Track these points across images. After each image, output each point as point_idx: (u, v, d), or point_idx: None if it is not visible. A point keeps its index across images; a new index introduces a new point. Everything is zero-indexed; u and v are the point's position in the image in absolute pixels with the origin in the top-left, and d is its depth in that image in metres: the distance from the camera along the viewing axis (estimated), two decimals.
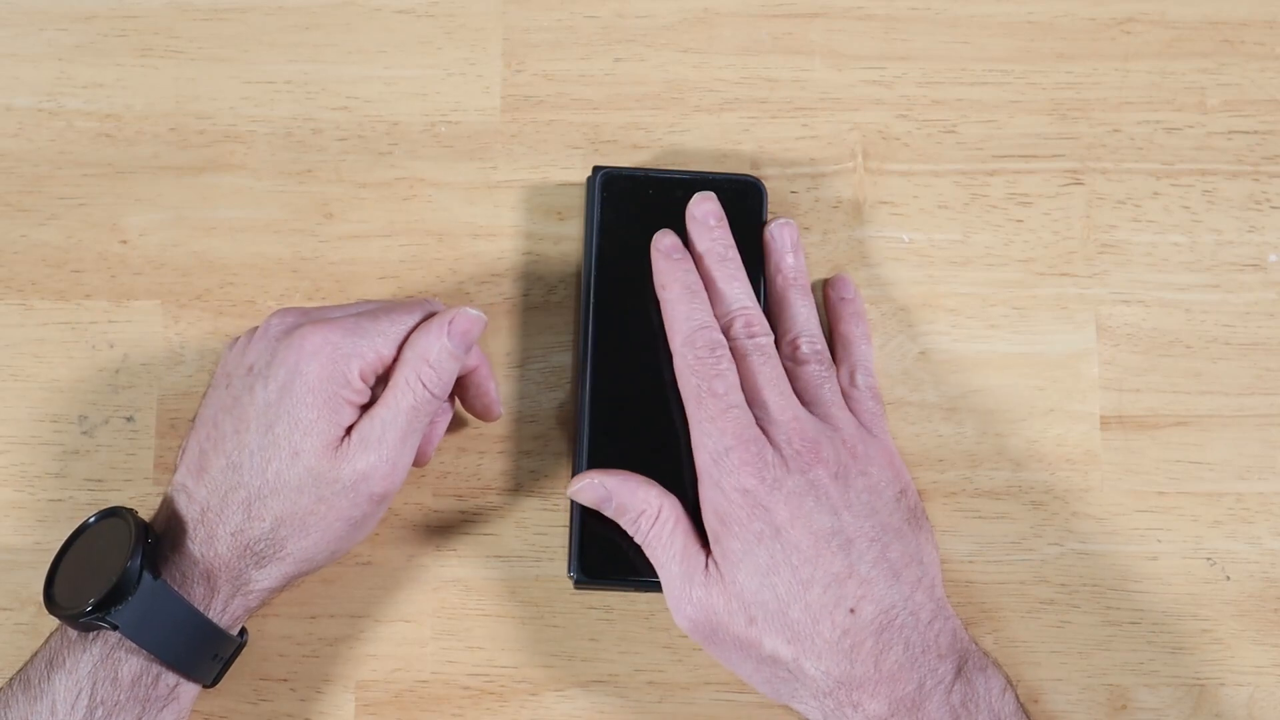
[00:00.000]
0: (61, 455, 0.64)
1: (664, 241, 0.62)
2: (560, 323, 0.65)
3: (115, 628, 0.54)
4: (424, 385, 0.58)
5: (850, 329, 0.64)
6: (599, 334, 0.62)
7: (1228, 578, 0.64)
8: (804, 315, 0.62)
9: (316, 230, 0.66)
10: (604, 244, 0.63)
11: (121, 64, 0.67)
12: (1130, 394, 0.65)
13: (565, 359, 0.65)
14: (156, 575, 0.55)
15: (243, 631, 0.59)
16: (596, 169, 0.64)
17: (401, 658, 0.63)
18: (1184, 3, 0.68)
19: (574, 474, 0.61)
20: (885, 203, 0.66)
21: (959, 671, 0.56)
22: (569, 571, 0.61)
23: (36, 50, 0.67)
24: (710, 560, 0.57)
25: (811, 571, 0.56)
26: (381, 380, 0.58)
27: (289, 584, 0.59)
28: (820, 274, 0.66)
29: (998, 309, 0.66)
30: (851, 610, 0.56)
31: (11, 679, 0.56)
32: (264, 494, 0.56)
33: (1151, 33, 0.68)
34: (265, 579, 0.57)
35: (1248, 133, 0.67)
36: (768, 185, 0.65)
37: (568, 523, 0.62)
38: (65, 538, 0.58)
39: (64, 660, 0.55)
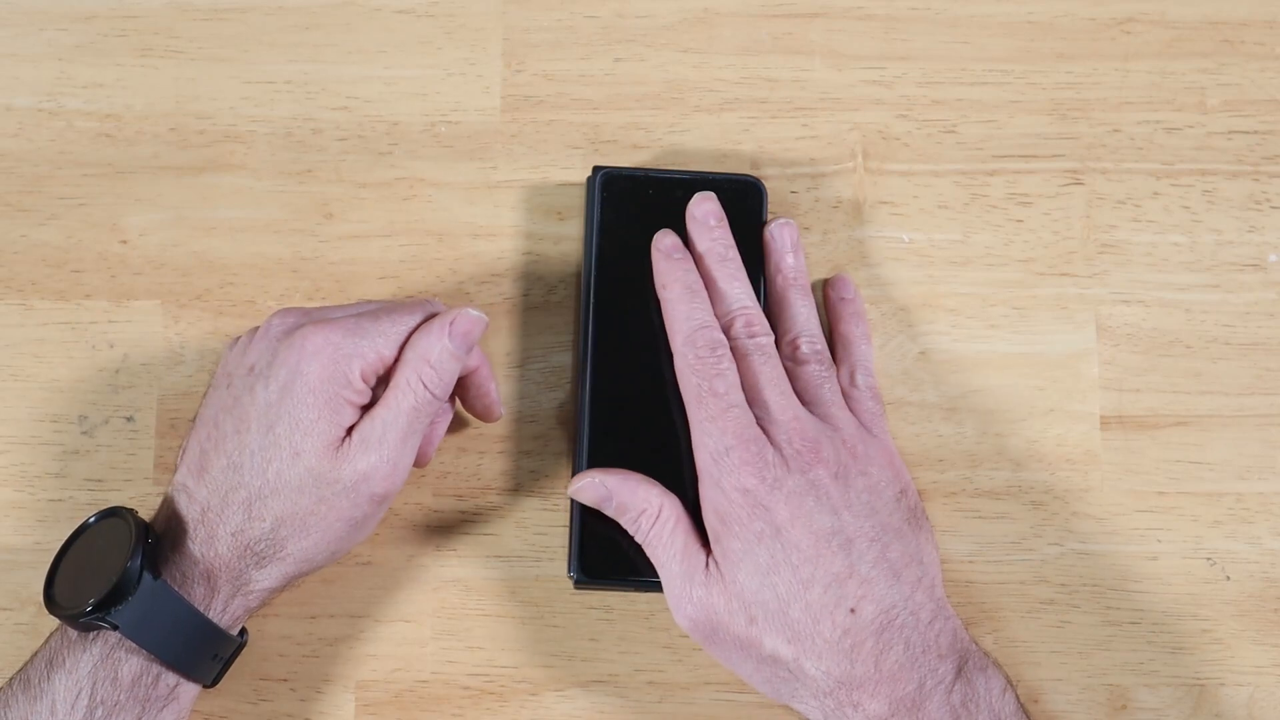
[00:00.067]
0: (61, 455, 0.64)
1: (664, 241, 0.62)
2: (560, 323, 0.65)
3: (115, 628, 0.54)
4: (425, 386, 0.58)
5: (850, 329, 0.64)
6: (599, 334, 0.62)
7: (1228, 578, 0.64)
8: (804, 315, 0.62)
9: (316, 230, 0.66)
10: (604, 244, 0.63)
11: (121, 64, 0.67)
12: (1130, 394, 0.65)
13: (565, 359, 0.65)
14: (157, 575, 0.55)
15: (243, 631, 0.59)
16: (596, 169, 0.64)
17: (401, 658, 0.63)
18: (1184, 3, 0.68)
19: (574, 473, 0.61)
20: (885, 203, 0.66)
21: (959, 671, 0.56)
22: (569, 571, 0.61)
23: (36, 50, 0.67)
24: (711, 560, 0.57)
25: (812, 571, 0.56)
26: (382, 381, 0.58)
27: (289, 584, 0.59)
28: (820, 274, 0.66)
29: (998, 309, 0.66)
30: (852, 610, 0.56)
31: (11, 679, 0.56)
32: (264, 494, 0.56)
33: (1151, 33, 0.68)
34: (265, 579, 0.57)
35: (1248, 133, 0.67)
36: (768, 185, 0.65)
37: (568, 523, 0.62)
38: (65, 538, 0.58)
39: (64, 660, 0.55)
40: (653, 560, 0.58)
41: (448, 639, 0.63)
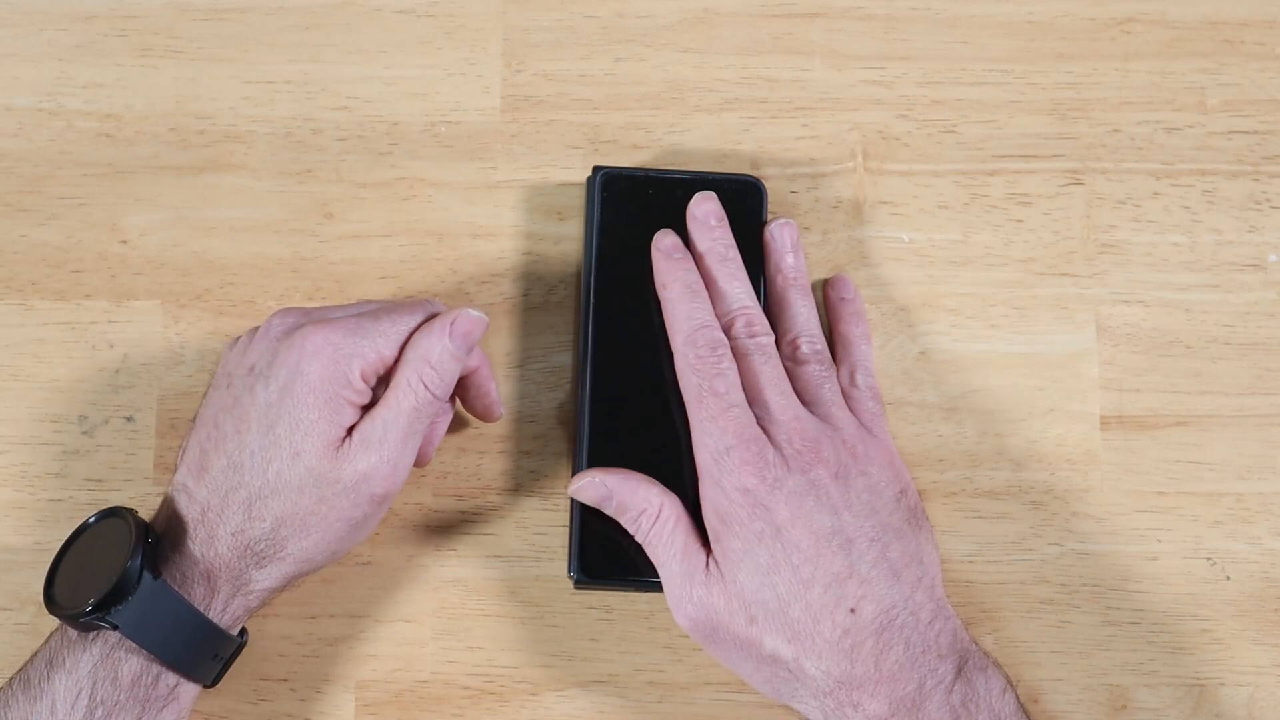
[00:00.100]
0: (61, 455, 0.64)
1: (665, 241, 0.62)
2: (560, 323, 0.65)
3: (115, 628, 0.54)
4: (426, 386, 0.58)
5: (850, 329, 0.64)
6: (599, 334, 0.62)
7: (1228, 578, 0.64)
8: (804, 315, 0.62)
9: (316, 230, 0.66)
10: (604, 244, 0.63)
11: (121, 64, 0.67)
12: (1130, 394, 0.65)
13: (565, 359, 0.65)
14: (157, 575, 0.55)
15: (243, 631, 0.59)
16: (596, 169, 0.64)
17: (401, 658, 0.63)
18: (1184, 3, 0.68)
19: (574, 473, 0.61)
20: (885, 203, 0.66)
21: (959, 671, 0.56)
22: (569, 571, 0.61)
23: (36, 50, 0.67)
24: (711, 559, 0.57)
25: (812, 571, 0.56)
26: (383, 381, 0.58)
27: (289, 584, 0.59)
28: (820, 274, 0.66)
29: (998, 309, 0.66)
30: (852, 610, 0.56)
31: (11, 679, 0.56)
32: (265, 494, 0.56)
33: (1151, 33, 0.68)
34: (265, 579, 0.57)
35: (1248, 133, 0.67)
36: (768, 185, 0.65)
37: (568, 523, 0.62)
38: (65, 538, 0.58)
39: (64, 660, 0.55)
40: (653, 560, 0.58)
41: (448, 639, 0.63)
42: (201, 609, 0.56)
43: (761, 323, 0.60)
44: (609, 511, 0.59)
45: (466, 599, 0.63)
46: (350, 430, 0.57)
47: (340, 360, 0.57)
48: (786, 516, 0.56)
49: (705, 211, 0.62)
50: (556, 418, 0.65)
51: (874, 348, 0.65)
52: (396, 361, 0.58)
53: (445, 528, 0.64)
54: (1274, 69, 0.67)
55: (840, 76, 0.67)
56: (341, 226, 0.66)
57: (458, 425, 0.64)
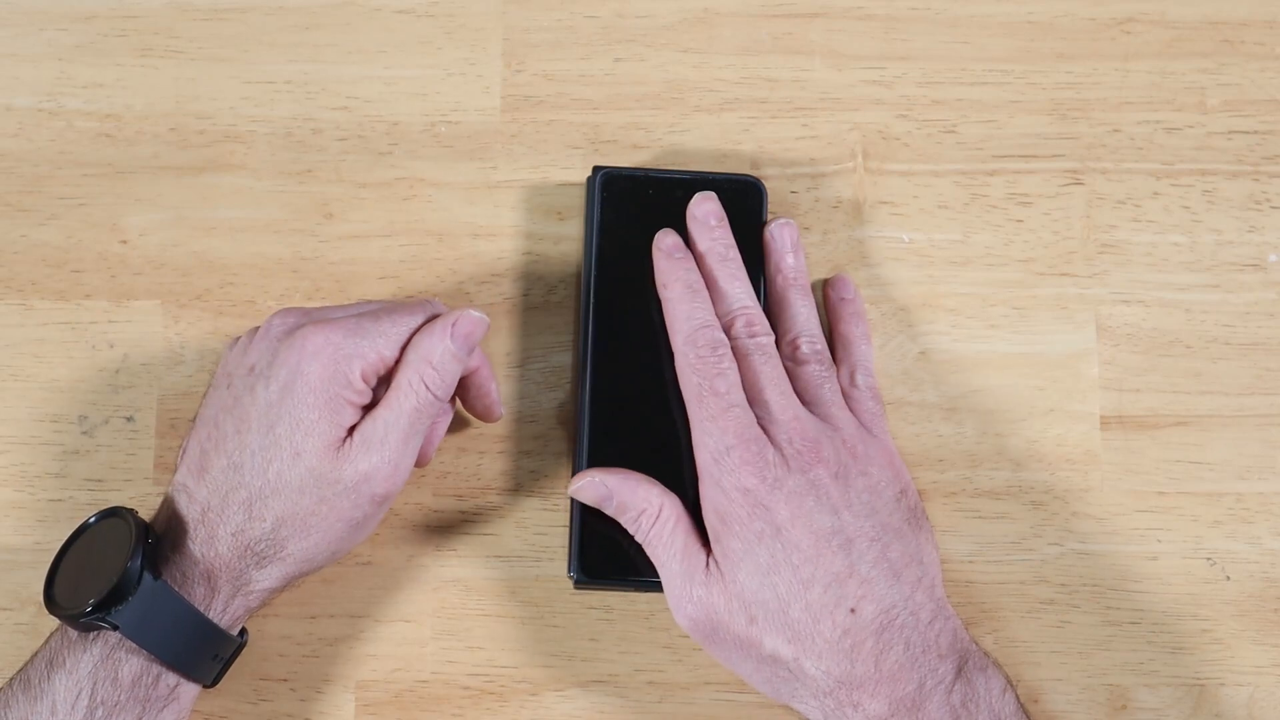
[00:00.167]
0: (61, 455, 0.64)
1: (665, 241, 0.62)
2: (560, 323, 0.65)
3: (115, 628, 0.54)
4: (427, 387, 0.58)
5: (850, 329, 0.64)
6: (599, 334, 0.62)
7: (1228, 578, 0.64)
8: (804, 315, 0.62)
9: (316, 230, 0.66)
10: (604, 244, 0.63)
11: (121, 64, 0.67)
12: (1130, 394, 0.65)
13: (565, 359, 0.65)
14: (157, 575, 0.55)
15: (243, 631, 0.59)
16: (596, 169, 0.64)
17: (401, 658, 0.63)
18: (1184, 3, 0.68)
19: (574, 473, 0.61)
20: (885, 203, 0.66)
21: (959, 671, 0.56)
22: (569, 571, 0.61)
23: (36, 50, 0.67)
24: (711, 559, 0.57)
25: (812, 571, 0.56)
26: (383, 381, 0.58)
27: (289, 584, 0.59)
28: (820, 274, 0.66)
29: (998, 309, 0.66)
30: (852, 610, 0.56)
31: (11, 679, 0.56)
32: (265, 494, 0.56)
33: (1151, 33, 0.68)
34: (266, 579, 0.57)
35: (1248, 133, 0.67)
36: (768, 185, 0.65)
37: (568, 523, 0.62)
38: (65, 538, 0.58)
39: (64, 660, 0.55)
40: (653, 560, 0.58)
41: (448, 639, 0.63)
42: (202, 609, 0.56)
43: (762, 323, 0.60)
44: (609, 511, 0.59)
45: (466, 599, 0.63)
46: (351, 430, 0.57)
47: (341, 360, 0.57)
48: (786, 516, 0.56)
49: (705, 211, 0.62)
50: (556, 418, 0.65)
51: (874, 348, 0.65)
52: (397, 362, 0.58)
53: (445, 528, 0.64)
54: (1274, 69, 0.67)
55: (840, 76, 0.67)
56: (341, 226, 0.66)
57: (458, 425, 0.64)
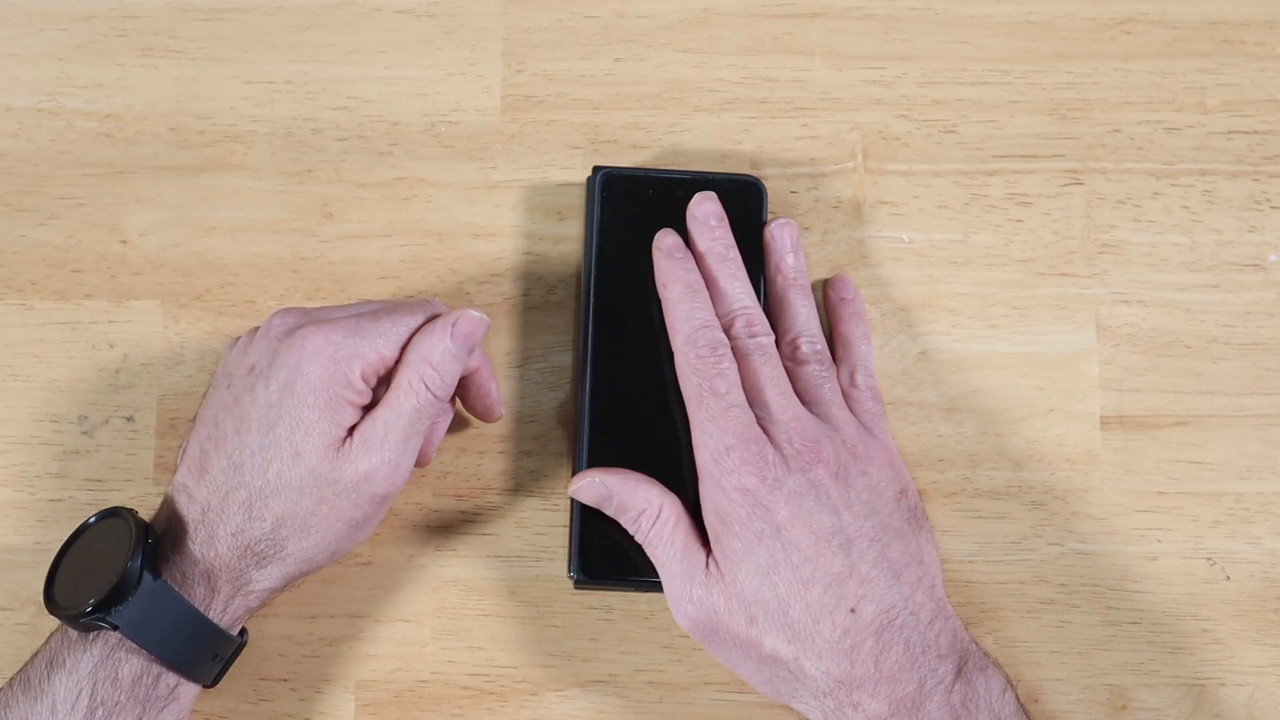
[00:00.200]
0: (61, 455, 0.64)
1: (666, 241, 0.62)
2: (560, 323, 0.65)
3: (115, 628, 0.54)
4: (427, 387, 0.58)
5: (850, 329, 0.64)
6: (599, 334, 0.62)
7: (1228, 578, 0.64)
8: (804, 315, 0.62)
9: (316, 230, 0.66)
10: (604, 244, 0.63)
11: (121, 64, 0.67)
12: (1130, 394, 0.65)
13: (565, 359, 0.65)
14: (157, 575, 0.55)
15: (243, 631, 0.59)
16: (596, 169, 0.64)
17: (401, 658, 0.63)
18: (1184, 3, 0.68)
19: (574, 473, 0.61)
20: (885, 203, 0.66)
21: (959, 671, 0.56)
22: (569, 571, 0.61)
23: (36, 50, 0.67)
24: (711, 559, 0.57)
25: (812, 571, 0.56)
26: (383, 381, 0.58)
27: (289, 584, 0.59)
28: (820, 274, 0.66)
29: (998, 309, 0.66)
30: (852, 610, 0.56)
31: (12, 679, 0.56)
32: (265, 494, 0.56)
33: (1151, 33, 0.68)
34: (266, 579, 0.57)
35: (1248, 133, 0.67)
36: (768, 185, 0.65)
37: (568, 523, 0.62)
38: (65, 538, 0.58)
39: (64, 660, 0.55)
40: (653, 560, 0.58)
41: (448, 639, 0.63)
42: (202, 609, 0.56)
43: (762, 323, 0.60)
44: (609, 512, 0.59)
45: (466, 599, 0.63)
46: (351, 430, 0.57)
47: (341, 360, 0.57)
48: (786, 516, 0.56)
49: (705, 211, 0.62)
50: (556, 418, 0.65)
51: (874, 348, 0.65)
52: (397, 362, 0.58)
53: (445, 528, 0.64)
54: (1274, 69, 0.67)
55: (840, 76, 0.67)
56: (341, 226, 0.66)
57: (458, 425, 0.64)
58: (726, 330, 0.60)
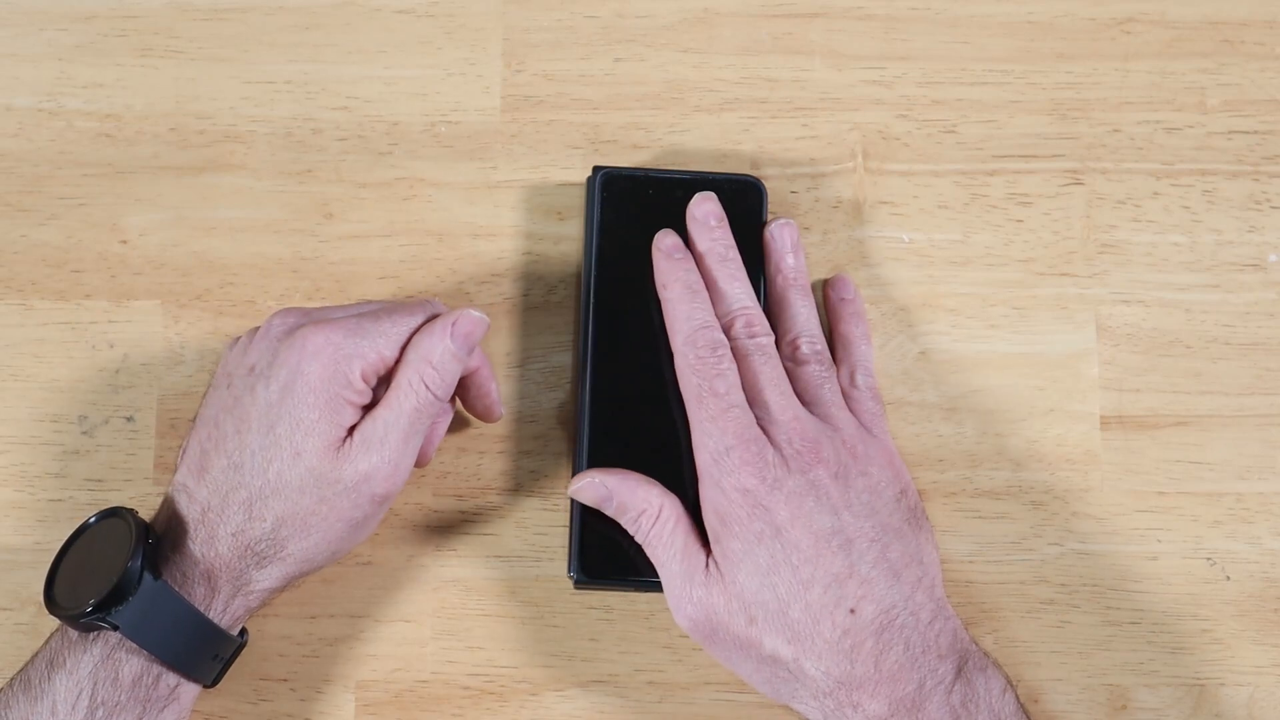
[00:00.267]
0: (61, 455, 0.64)
1: (665, 241, 0.62)
2: (560, 323, 0.65)
3: (116, 628, 0.54)
4: (427, 387, 0.58)
5: (850, 329, 0.64)
6: (599, 334, 0.62)
7: (1228, 578, 0.64)
8: (804, 315, 0.62)
9: (316, 230, 0.66)
10: (604, 244, 0.63)
11: (121, 64, 0.67)
12: (1130, 394, 0.65)
13: (565, 359, 0.65)
14: (157, 575, 0.55)
15: (243, 631, 0.59)
16: (596, 169, 0.64)
17: (401, 658, 0.63)
18: (1184, 3, 0.68)
19: (574, 473, 0.61)
20: (885, 203, 0.66)
21: (959, 672, 0.56)
22: (569, 571, 0.61)
23: (36, 50, 0.67)
24: (711, 560, 0.57)
25: (812, 571, 0.56)
26: (383, 381, 0.59)
27: (289, 584, 0.59)
28: (820, 274, 0.66)
29: (998, 309, 0.66)
30: (852, 610, 0.56)
31: (12, 679, 0.56)
32: (265, 494, 0.56)
33: (1151, 33, 0.68)
34: (266, 579, 0.57)
35: (1248, 133, 0.67)
36: (768, 185, 0.65)
37: (568, 523, 0.62)
38: (65, 538, 0.58)
39: (64, 660, 0.55)
40: (653, 560, 0.58)
41: (448, 639, 0.63)
42: (202, 609, 0.56)
43: (761, 323, 0.60)
44: (609, 512, 0.59)
45: (466, 599, 0.63)
46: (351, 430, 0.57)
47: (341, 360, 0.57)
48: (786, 517, 0.56)
49: (705, 212, 0.62)
50: (556, 418, 0.65)
51: (874, 348, 0.65)
52: (397, 362, 0.58)
53: (445, 528, 0.64)
54: (1274, 69, 0.67)
55: (840, 76, 0.67)
56: (341, 226, 0.66)
57: (458, 425, 0.64)
58: (726, 331, 0.60)
